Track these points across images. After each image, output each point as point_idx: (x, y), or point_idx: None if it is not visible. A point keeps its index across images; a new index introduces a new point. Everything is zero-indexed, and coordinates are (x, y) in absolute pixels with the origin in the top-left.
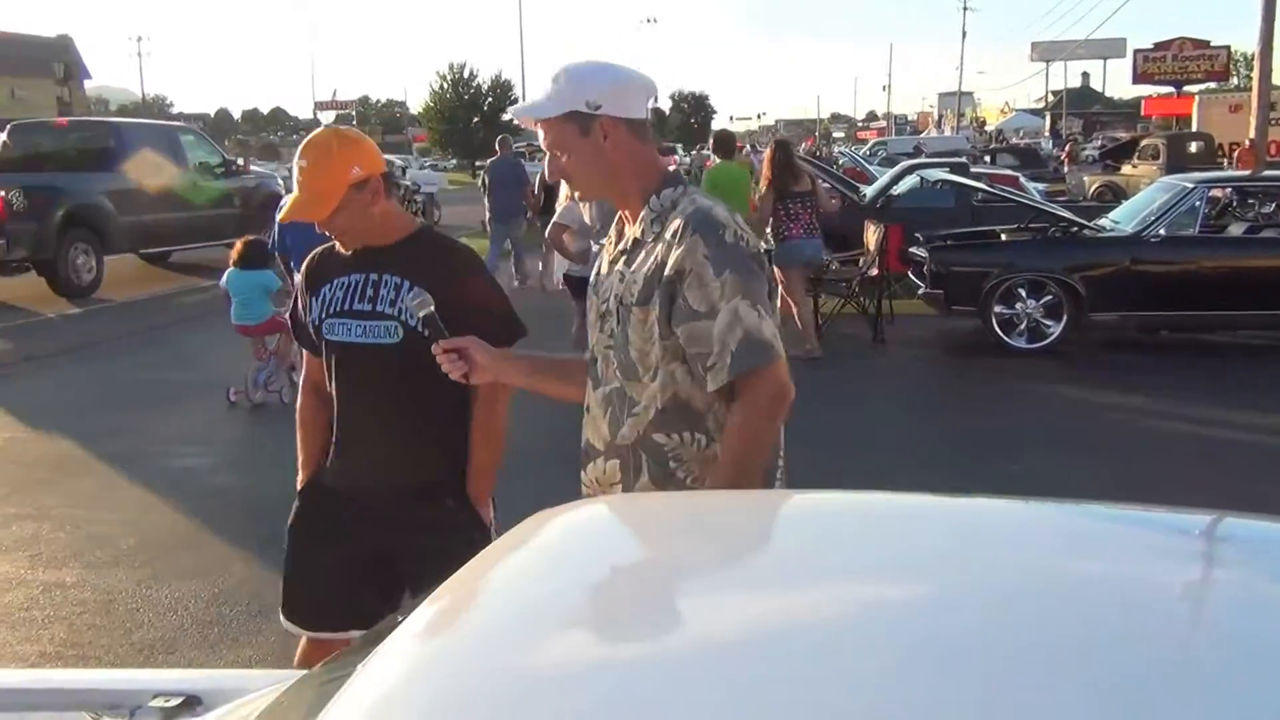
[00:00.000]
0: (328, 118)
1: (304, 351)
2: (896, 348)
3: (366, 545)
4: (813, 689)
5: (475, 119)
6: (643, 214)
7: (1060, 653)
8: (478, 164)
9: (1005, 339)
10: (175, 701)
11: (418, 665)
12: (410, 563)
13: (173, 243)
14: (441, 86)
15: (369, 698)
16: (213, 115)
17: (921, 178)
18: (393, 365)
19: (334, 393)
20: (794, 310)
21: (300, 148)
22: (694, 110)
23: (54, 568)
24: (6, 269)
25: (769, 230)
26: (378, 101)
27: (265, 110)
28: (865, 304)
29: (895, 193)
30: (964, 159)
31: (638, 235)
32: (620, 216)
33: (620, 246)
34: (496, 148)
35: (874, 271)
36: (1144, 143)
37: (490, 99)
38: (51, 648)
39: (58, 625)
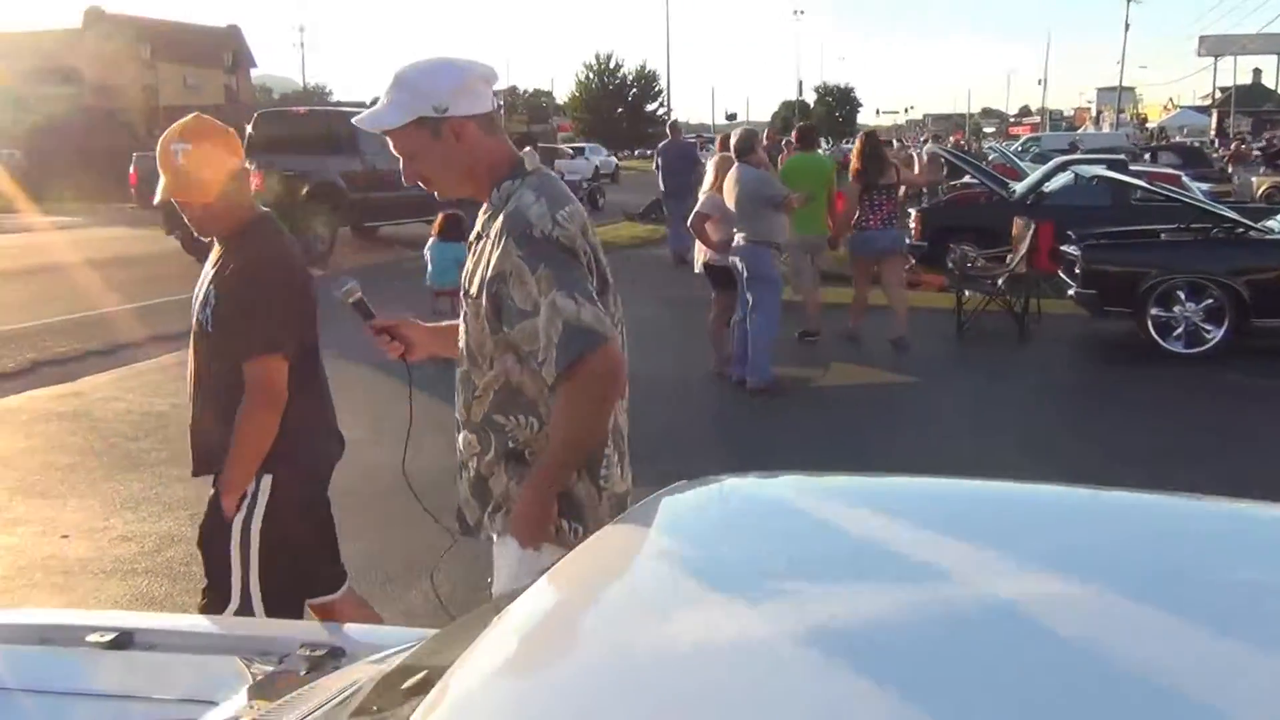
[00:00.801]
0: None
1: None
2: (1042, 346)
3: None
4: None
5: (619, 109)
6: (490, 202)
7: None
8: (644, 151)
9: (1161, 342)
10: (321, 652)
11: (533, 639)
12: None
13: (389, 218)
14: (588, 77)
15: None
16: (368, 103)
17: (1076, 174)
18: (200, 347)
19: None
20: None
21: (179, 131)
22: (839, 104)
23: None
24: None
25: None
26: (525, 91)
27: None
28: (1012, 301)
29: (1047, 189)
30: (1123, 156)
31: (479, 229)
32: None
33: (472, 238)
34: (669, 132)
35: (1022, 269)
36: None
37: (635, 90)
38: None
39: None
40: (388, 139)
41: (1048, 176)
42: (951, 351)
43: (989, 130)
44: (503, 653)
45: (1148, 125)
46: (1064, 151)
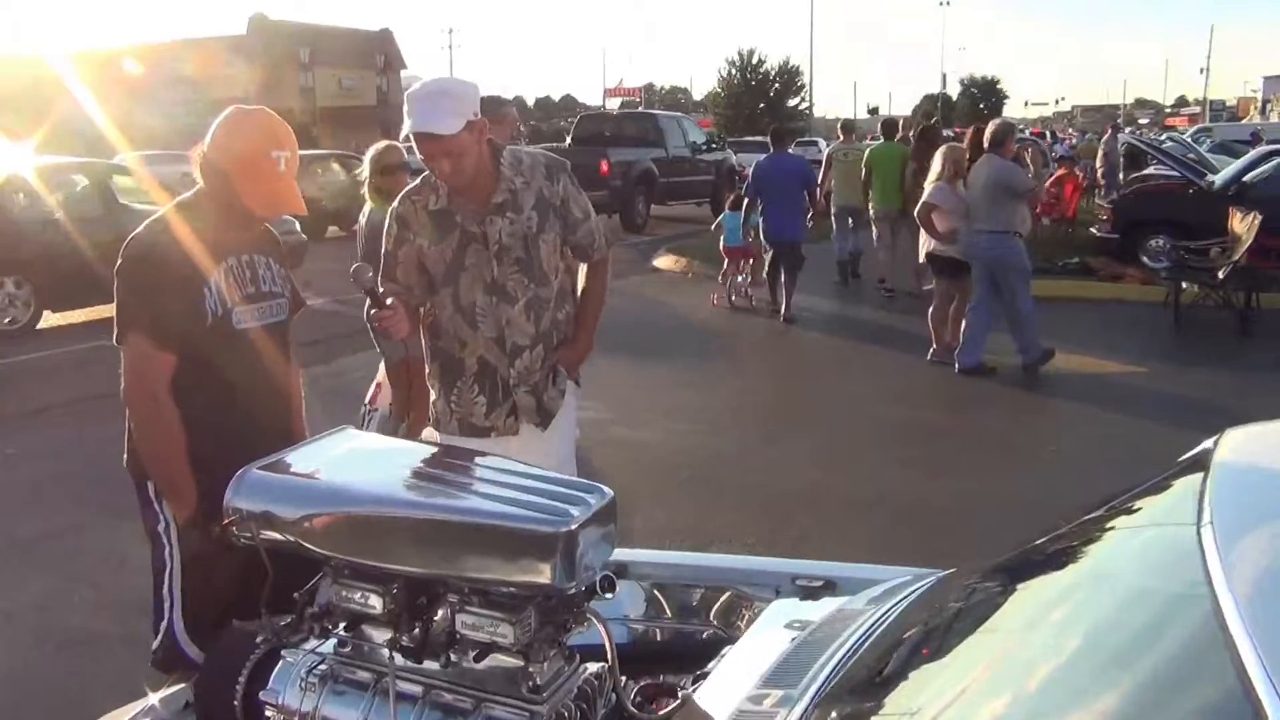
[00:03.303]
0: (614, 104)
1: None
2: (1270, 339)
3: None
4: None
5: (761, 104)
6: (504, 175)
7: None
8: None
9: None
10: (816, 584)
11: None
12: None
13: (681, 198)
14: (729, 73)
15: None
16: (511, 101)
17: None
18: (285, 342)
19: (230, 381)
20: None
21: (282, 137)
22: (984, 95)
23: None
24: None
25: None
26: (662, 88)
27: (556, 97)
28: (1232, 295)
29: (1248, 180)
30: None
31: (512, 188)
32: (446, 187)
33: (496, 202)
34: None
35: (1243, 261)
36: None
37: (777, 84)
38: None
39: None
40: (418, 145)
41: (1251, 166)
42: (1173, 344)
43: (1143, 121)
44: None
45: None
46: (1245, 143)
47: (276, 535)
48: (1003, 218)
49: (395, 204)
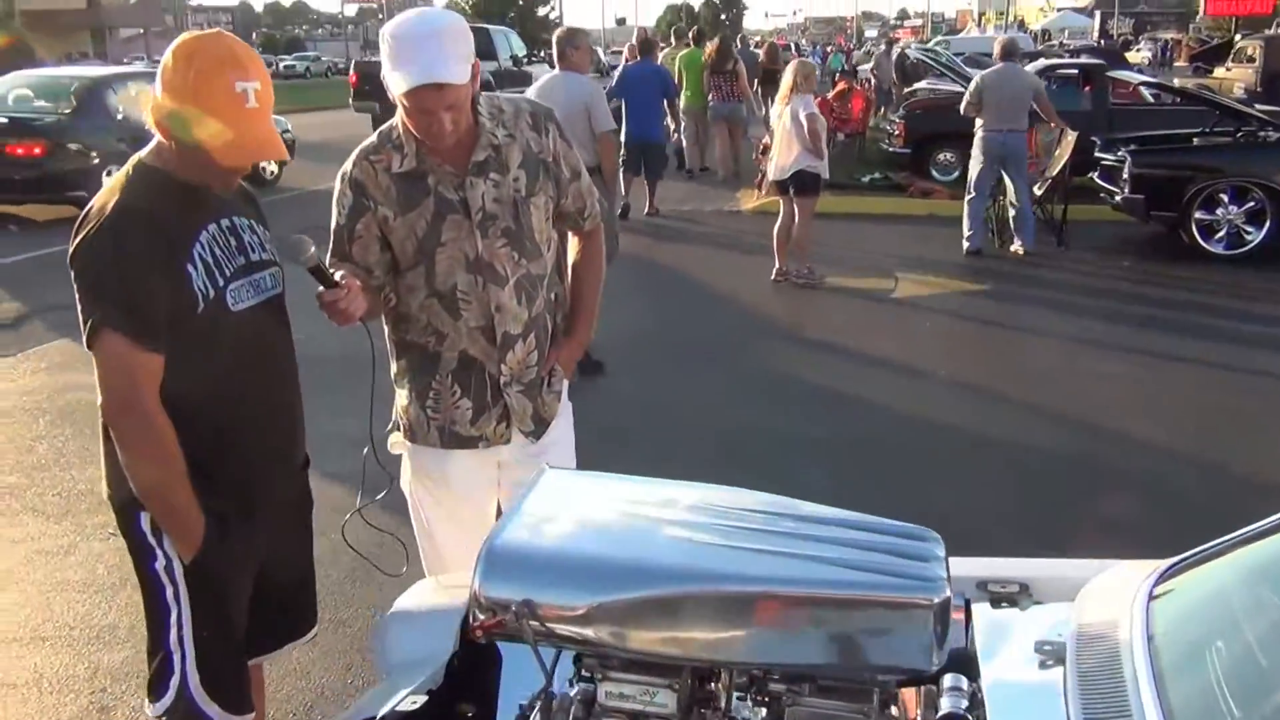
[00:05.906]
0: (352, 10)
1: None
2: (1089, 252)
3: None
4: None
5: (511, 14)
6: (484, 127)
7: None
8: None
9: (1204, 245)
10: (1011, 589)
11: None
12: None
13: None
14: None
15: None
16: (237, 8)
17: (1053, 78)
18: (284, 320)
19: (227, 377)
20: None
21: (247, 63)
22: (725, 7)
23: None
24: None
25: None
26: None
27: (287, 3)
28: (1050, 209)
29: None
30: (1100, 60)
31: (495, 142)
32: (418, 144)
33: (477, 161)
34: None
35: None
36: (1239, 45)
37: None
38: None
39: None
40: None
41: None
42: (1001, 260)
43: (870, 35)
44: None
45: (1028, 28)
46: (985, 55)
47: (543, 628)
48: (1022, 119)
49: (348, 166)
